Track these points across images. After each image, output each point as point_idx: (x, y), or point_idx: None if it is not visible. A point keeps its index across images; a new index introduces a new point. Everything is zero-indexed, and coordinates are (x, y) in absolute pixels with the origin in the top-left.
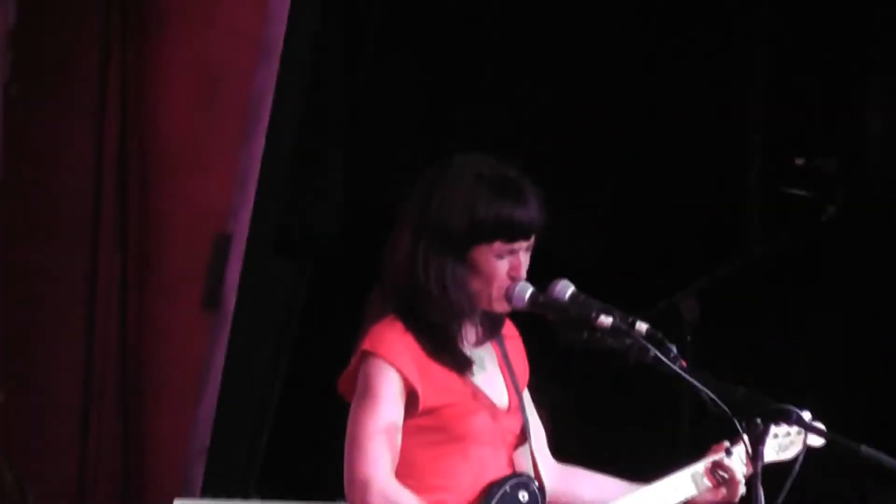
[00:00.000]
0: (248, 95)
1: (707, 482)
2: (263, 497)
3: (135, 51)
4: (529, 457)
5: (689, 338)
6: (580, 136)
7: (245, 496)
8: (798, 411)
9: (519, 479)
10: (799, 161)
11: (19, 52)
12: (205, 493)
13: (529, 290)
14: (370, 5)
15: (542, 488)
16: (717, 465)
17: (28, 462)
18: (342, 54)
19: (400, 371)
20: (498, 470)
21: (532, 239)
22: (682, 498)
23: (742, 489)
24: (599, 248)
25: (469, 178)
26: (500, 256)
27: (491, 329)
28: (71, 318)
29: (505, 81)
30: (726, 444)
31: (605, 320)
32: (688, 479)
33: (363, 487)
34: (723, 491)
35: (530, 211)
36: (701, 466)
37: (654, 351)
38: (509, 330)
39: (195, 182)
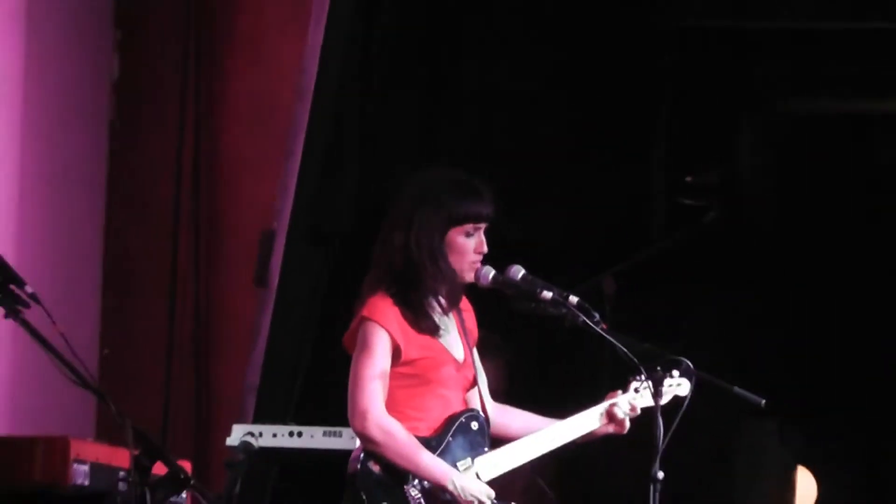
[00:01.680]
0: (289, 122)
1: (604, 419)
2: (298, 423)
3: (206, 86)
4: (478, 397)
5: (608, 307)
6: (534, 161)
7: (284, 422)
8: (686, 361)
9: (471, 413)
10: (689, 179)
11: (120, 92)
12: (255, 420)
13: (492, 272)
14: (378, 55)
15: (487, 420)
16: (611, 407)
17: (125, 401)
18: (358, 92)
19: (389, 332)
20: (457, 406)
21: (487, 223)
22: (587, 430)
23: (627, 425)
24: (544, 241)
25: (444, 183)
26: (468, 235)
27: (452, 303)
28: (157, 291)
29: (475, 118)
30: (619, 392)
31: (547, 294)
32: (590, 416)
33: (362, 416)
34: (613, 426)
35: (486, 203)
36: (601, 407)
37: (582, 317)
38: (465, 304)
39: (249, 188)
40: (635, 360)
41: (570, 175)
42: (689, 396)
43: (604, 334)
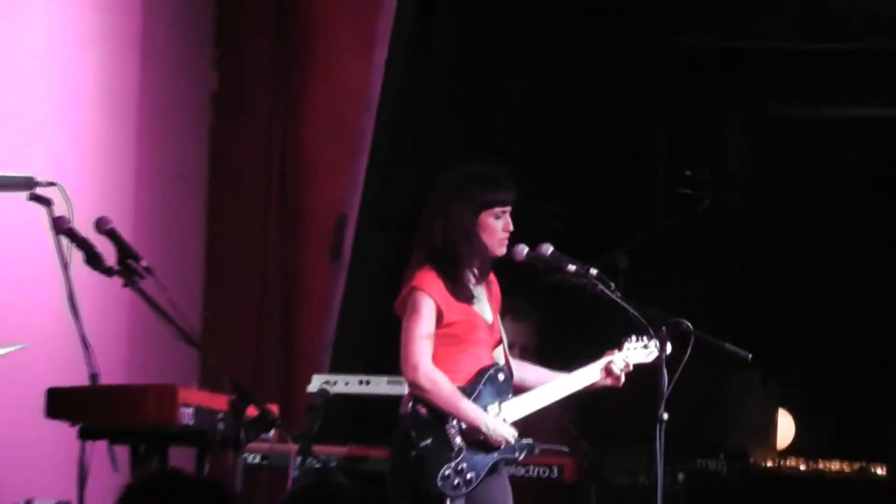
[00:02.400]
0: (358, 127)
1: (602, 373)
2: (366, 373)
3: (290, 97)
4: (503, 354)
5: (621, 278)
6: (558, 156)
7: (354, 373)
8: (686, 322)
9: (498, 367)
10: (687, 172)
11: (218, 101)
12: (331, 371)
13: (526, 249)
14: (430, 72)
15: (510, 372)
16: (608, 364)
17: (223, 355)
18: (413, 103)
19: (434, 299)
20: (486, 361)
21: (511, 206)
22: (589, 382)
23: (622, 379)
24: (565, 223)
25: (473, 175)
26: (497, 217)
27: (483, 275)
28: (250, 265)
29: (508, 122)
30: (615, 350)
31: (571, 267)
32: (591, 371)
33: (414, 368)
34: (610, 379)
35: (509, 190)
36: (600, 363)
37: (600, 286)
38: (491, 277)
39: (327, 181)
40: (644, 321)
41: (587, 168)
42: (689, 348)
43: (618, 300)
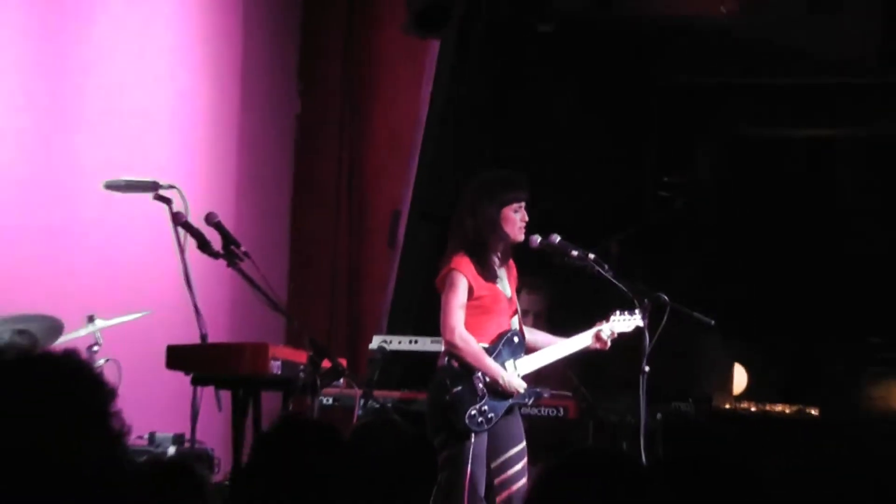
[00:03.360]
0: (410, 142)
1: (593, 339)
2: (414, 334)
3: (358, 118)
4: (518, 322)
5: (614, 262)
6: (565, 164)
7: (405, 334)
8: (664, 295)
9: (514, 331)
10: (666, 179)
11: (301, 121)
12: (388, 332)
13: (539, 238)
14: (465, 100)
15: (523, 336)
16: (597, 332)
17: (304, 320)
18: (452, 124)
19: (467, 278)
20: (505, 327)
21: (526, 201)
22: (582, 346)
23: (608, 345)
24: (570, 217)
25: (494, 178)
26: (515, 211)
27: (504, 259)
28: (325, 250)
29: (524, 138)
30: (603, 322)
31: (574, 253)
32: (584, 337)
33: (451, 331)
34: (599, 344)
35: (524, 189)
36: (591, 331)
37: (597, 267)
38: (511, 263)
39: (385, 185)
40: (631, 295)
41: (589, 174)
42: (665, 316)
43: (610, 279)
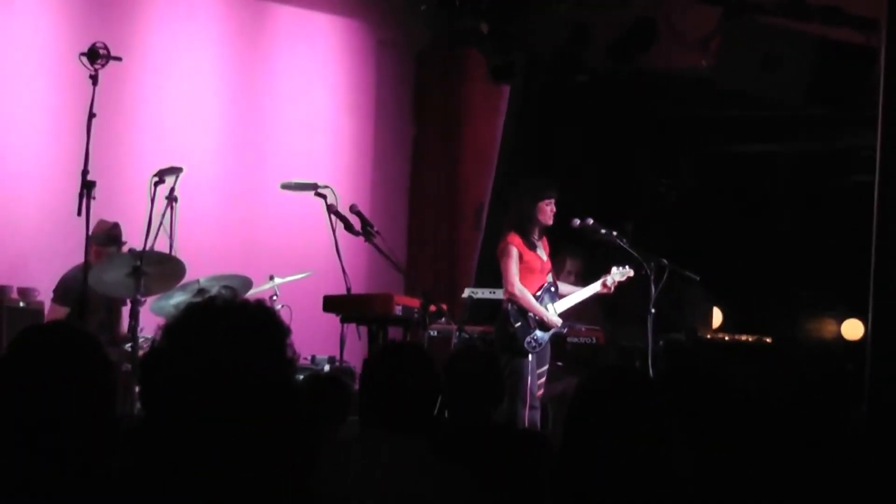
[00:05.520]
0: (489, 159)
1: (602, 287)
2: (493, 287)
3: (453, 140)
4: (552, 277)
5: (629, 235)
6: (587, 171)
7: (487, 287)
8: (665, 259)
9: (550, 283)
10: (662, 180)
11: (415, 145)
12: (475, 286)
13: (578, 220)
14: (525, 128)
15: (556, 287)
16: (604, 280)
17: (418, 279)
18: (514, 146)
19: (518, 248)
20: (544, 281)
21: (555, 198)
22: (594, 292)
23: (612, 290)
24: (593, 207)
25: (533, 183)
26: (547, 205)
27: (540, 236)
28: (433, 231)
29: (562, 156)
30: (605, 274)
31: (602, 231)
32: (595, 286)
33: (511, 284)
34: (605, 290)
35: (554, 190)
36: (599, 281)
37: (618, 241)
38: (545, 238)
39: (472, 187)
40: (641, 259)
41: (608, 178)
42: (665, 274)
43: (627, 248)
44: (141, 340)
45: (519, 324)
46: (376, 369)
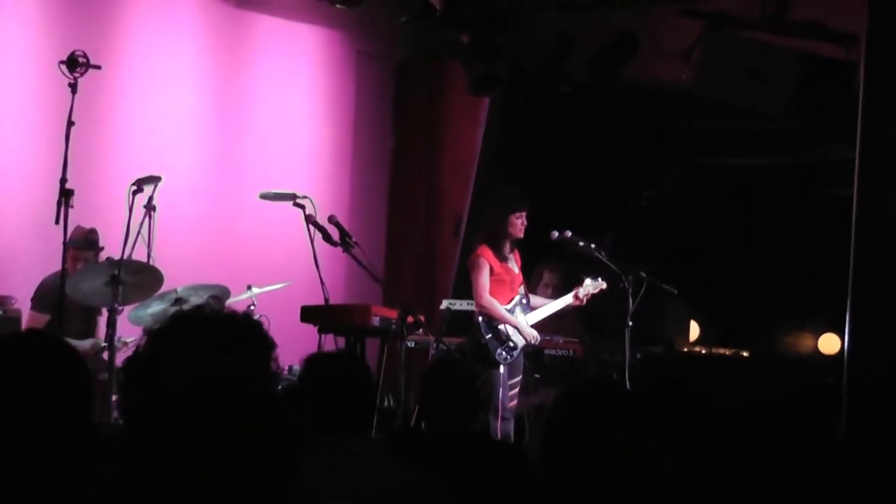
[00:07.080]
0: (469, 170)
1: (574, 299)
2: (467, 300)
3: (432, 152)
4: (524, 290)
5: (608, 248)
6: (576, 181)
7: (463, 298)
8: (643, 272)
9: (522, 295)
10: (645, 192)
11: (395, 154)
12: (452, 297)
13: (556, 233)
14: (507, 136)
15: (528, 298)
16: (576, 293)
17: (395, 288)
18: (495, 156)
19: (488, 261)
20: (515, 293)
21: (526, 211)
22: (566, 304)
23: (584, 302)
24: (575, 218)
25: (505, 195)
26: (517, 218)
27: (512, 249)
28: (412, 241)
29: (545, 167)
30: (578, 287)
31: (581, 243)
32: (568, 298)
33: (480, 297)
34: (577, 302)
35: (525, 203)
36: (571, 293)
37: (597, 253)
38: (516, 252)
39: (451, 198)
40: (619, 272)
41: (592, 188)
42: (643, 287)
43: (606, 261)
44: (119, 346)
45: (490, 335)
46: (307, 378)
